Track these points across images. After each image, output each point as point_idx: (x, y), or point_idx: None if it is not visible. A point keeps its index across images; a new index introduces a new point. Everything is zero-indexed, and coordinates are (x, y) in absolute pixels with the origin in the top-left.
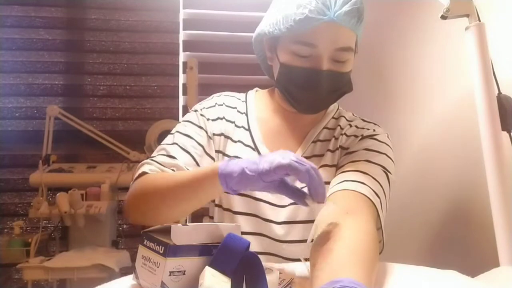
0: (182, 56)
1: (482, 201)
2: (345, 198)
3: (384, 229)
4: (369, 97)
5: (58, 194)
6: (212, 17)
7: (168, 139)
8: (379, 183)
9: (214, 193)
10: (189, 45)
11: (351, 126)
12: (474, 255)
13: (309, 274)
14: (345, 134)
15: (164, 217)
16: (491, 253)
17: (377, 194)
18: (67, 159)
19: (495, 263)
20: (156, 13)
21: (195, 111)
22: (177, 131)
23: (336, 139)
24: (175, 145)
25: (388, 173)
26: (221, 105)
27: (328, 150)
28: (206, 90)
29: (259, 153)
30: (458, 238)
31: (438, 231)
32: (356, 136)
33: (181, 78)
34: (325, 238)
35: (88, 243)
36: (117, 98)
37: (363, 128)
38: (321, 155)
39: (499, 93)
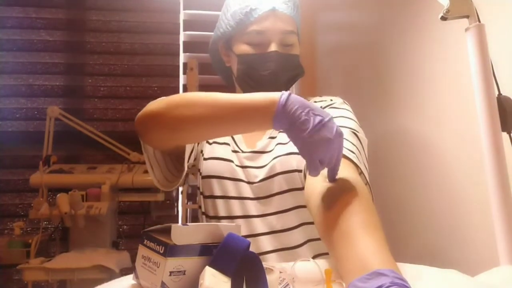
0: (182, 57)
1: (482, 201)
2: None
3: (371, 185)
4: (369, 96)
5: (58, 195)
6: (213, 18)
7: None
8: (350, 142)
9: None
10: (190, 46)
11: None
12: (474, 255)
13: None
14: None
15: (189, 139)
16: (491, 253)
17: (351, 151)
18: (68, 160)
19: (495, 263)
20: (157, 14)
21: None
22: None
23: None
24: None
25: (357, 133)
26: None
27: None
28: (206, 91)
29: (232, 137)
30: (458, 238)
31: (438, 231)
32: None
33: (182, 79)
34: (331, 209)
35: (88, 244)
36: (118, 99)
37: (320, 101)
38: None
39: (499, 94)
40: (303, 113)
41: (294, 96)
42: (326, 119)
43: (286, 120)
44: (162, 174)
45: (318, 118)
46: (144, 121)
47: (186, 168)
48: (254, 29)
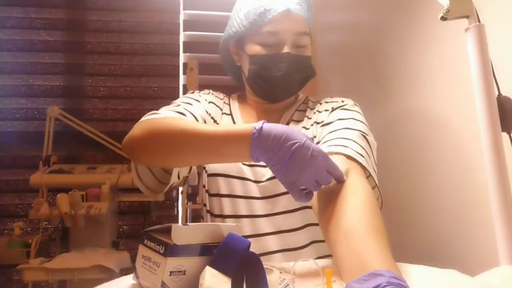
0: (182, 57)
1: (482, 201)
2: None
3: (379, 187)
4: (369, 97)
5: (58, 195)
6: (213, 18)
7: (172, 105)
8: (359, 145)
9: (241, 157)
10: (190, 46)
11: (320, 104)
12: (474, 255)
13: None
14: (317, 111)
15: (176, 163)
16: (491, 253)
17: (360, 154)
18: (68, 160)
19: (495, 263)
20: (157, 14)
21: (192, 93)
22: (180, 101)
23: (309, 118)
24: (180, 107)
25: (366, 136)
26: (211, 94)
27: (303, 127)
28: None
29: None
30: (458, 238)
31: (438, 231)
32: (327, 110)
33: (182, 79)
34: (334, 209)
35: (88, 244)
36: (118, 99)
37: (332, 102)
38: None
39: (499, 94)
40: (275, 150)
41: (266, 128)
42: (299, 146)
43: (262, 156)
44: (154, 177)
45: (290, 151)
46: (130, 146)
47: (175, 180)
48: (267, 30)
